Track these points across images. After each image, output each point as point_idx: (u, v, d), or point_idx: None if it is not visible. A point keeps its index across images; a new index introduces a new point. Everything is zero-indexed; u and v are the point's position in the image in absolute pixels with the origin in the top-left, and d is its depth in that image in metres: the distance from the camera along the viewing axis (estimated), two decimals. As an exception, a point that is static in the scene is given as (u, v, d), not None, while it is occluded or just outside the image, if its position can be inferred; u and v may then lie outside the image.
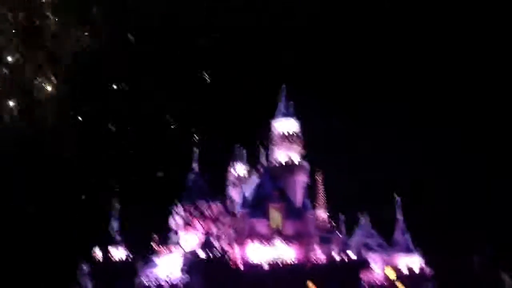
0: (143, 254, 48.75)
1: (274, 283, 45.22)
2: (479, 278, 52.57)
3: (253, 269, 46.67)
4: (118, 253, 48.17)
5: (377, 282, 48.37)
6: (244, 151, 59.41)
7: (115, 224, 50.18)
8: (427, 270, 50.43)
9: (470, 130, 64.75)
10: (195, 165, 54.92)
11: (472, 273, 52.09)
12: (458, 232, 53.42)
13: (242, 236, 49.09)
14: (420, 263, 50.88)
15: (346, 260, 47.58)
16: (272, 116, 57.24)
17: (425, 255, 51.18)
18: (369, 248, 51.15)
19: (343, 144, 66.45)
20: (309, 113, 63.75)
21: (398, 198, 53.41)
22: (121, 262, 47.63)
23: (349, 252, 48.12)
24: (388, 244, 52.61)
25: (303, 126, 58.04)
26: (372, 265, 49.05)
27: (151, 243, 50.05)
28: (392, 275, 39.68)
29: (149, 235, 50.26)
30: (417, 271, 49.77)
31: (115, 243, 48.15)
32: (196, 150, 54.35)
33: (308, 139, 57.91)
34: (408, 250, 51.78)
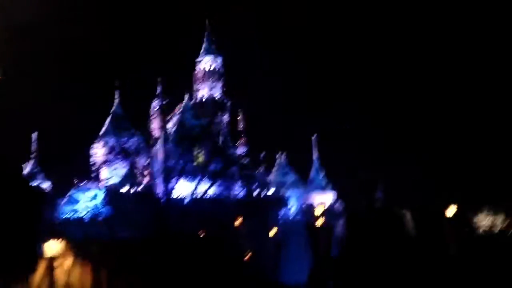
0: (63, 188, 48.21)
1: (197, 218, 46.64)
2: (382, 212, 56.92)
3: (176, 204, 47.74)
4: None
5: (292, 217, 51.22)
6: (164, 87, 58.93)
7: (33, 160, 49.13)
8: (339, 205, 54.00)
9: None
10: (116, 99, 54.28)
11: (375, 208, 56.19)
12: (365, 171, 57.00)
13: (164, 171, 49.77)
14: (332, 199, 54.35)
15: (265, 196, 50.04)
16: (197, 52, 57.31)
17: (337, 192, 54.71)
18: (286, 185, 53.72)
19: (264, 81, 67.68)
20: (233, 49, 64.06)
21: (314, 137, 56.03)
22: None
23: (268, 188, 50.58)
24: (304, 182, 55.51)
25: (225, 62, 58.58)
26: (289, 201, 51.84)
27: (72, 177, 49.53)
28: (319, 211, 42.50)
29: (69, 169, 49.68)
30: (330, 206, 53.18)
31: (34, 177, 47.21)
32: (118, 83, 53.68)
33: (230, 76, 58.71)
34: (321, 187, 55.00)
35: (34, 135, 49.87)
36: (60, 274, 18.05)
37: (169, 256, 24.12)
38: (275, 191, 50.18)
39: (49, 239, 16.64)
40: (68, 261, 18.97)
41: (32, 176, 46.93)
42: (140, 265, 21.05)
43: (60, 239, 16.47)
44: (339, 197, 54.85)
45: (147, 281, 21.60)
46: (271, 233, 43.11)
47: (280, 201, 50.05)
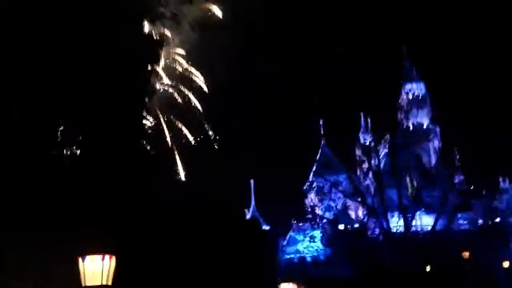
0: (282, 229, 49.36)
1: (417, 254, 44.12)
2: None
3: (392, 239, 45.82)
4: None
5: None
6: (370, 120, 57.81)
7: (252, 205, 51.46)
8: None
9: None
10: (322, 137, 54.82)
11: None
12: None
13: (376, 207, 48.37)
14: None
15: (491, 225, 45.52)
16: (397, 81, 55.70)
17: None
18: (514, 212, 48.35)
19: (472, 103, 63.06)
20: (435, 75, 61.08)
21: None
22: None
23: (494, 217, 46.00)
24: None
25: (430, 88, 55.93)
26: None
27: (289, 219, 50.70)
28: None
29: (285, 211, 51.02)
30: None
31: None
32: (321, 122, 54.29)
33: (437, 102, 55.72)
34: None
35: (251, 182, 52.33)
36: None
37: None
38: (503, 219, 45.35)
39: (280, 280, 16.85)
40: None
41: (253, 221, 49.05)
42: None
43: (293, 281, 16.54)
44: None
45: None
46: (506, 266, 38.72)
47: (509, 230, 45.06)
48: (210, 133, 20.37)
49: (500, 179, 51.42)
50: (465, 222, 46.46)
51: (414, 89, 55.81)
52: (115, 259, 10.91)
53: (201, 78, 20.63)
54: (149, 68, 17.79)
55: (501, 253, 42.95)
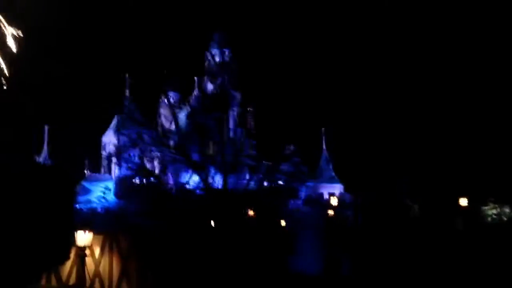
0: (76, 179, 48.61)
1: (206, 207, 47.08)
2: (392, 205, 57.05)
3: (186, 194, 48.15)
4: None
5: (303, 208, 51.64)
6: (177, 80, 59.19)
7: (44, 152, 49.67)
8: (347, 198, 54.29)
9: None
10: (126, 91, 54.76)
11: (391, 202, 56.28)
12: (379, 162, 57.20)
13: (175, 163, 50.24)
14: (340, 191, 54.69)
15: (275, 187, 50.24)
16: (207, 46, 57.70)
17: (346, 184, 55.04)
18: (295, 176, 53.95)
19: (273, 73, 67.95)
20: (243, 42, 64.34)
21: (323, 129, 56.38)
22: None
23: (278, 180, 50.79)
24: (313, 173, 55.83)
25: (235, 54, 58.87)
26: (299, 192, 52.22)
27: (83, 169, 50.19)
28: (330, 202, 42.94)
29: (80, 161, 50.38)
30: (338, 198, 53.57)
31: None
32: (128, 78, 54.15)
33: (241, 69, 58.87)
34: (330, 179, 55.36)
35: (45, 128, 50.46)
36: (89, 264, 18.98)
37: (184, 247, 24.68)
38: (285, 183, 50.41)
39: (77, 227, 17.52)
40: (96, 251, 19.71)
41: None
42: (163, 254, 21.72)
43: (87, 229, 17.30)
44: (346, 189, 55.18)
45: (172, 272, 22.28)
46: (282, 223, 43.57)
47: (290, 192, 50.36)
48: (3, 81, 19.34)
49: (286, 146, 56.91)
50: (252, 183, 50.50)
51: (220, 54, 58.35)
52: None
53: (9, 27, 19.34)
54: None
55: (281, 213, 48.08)
